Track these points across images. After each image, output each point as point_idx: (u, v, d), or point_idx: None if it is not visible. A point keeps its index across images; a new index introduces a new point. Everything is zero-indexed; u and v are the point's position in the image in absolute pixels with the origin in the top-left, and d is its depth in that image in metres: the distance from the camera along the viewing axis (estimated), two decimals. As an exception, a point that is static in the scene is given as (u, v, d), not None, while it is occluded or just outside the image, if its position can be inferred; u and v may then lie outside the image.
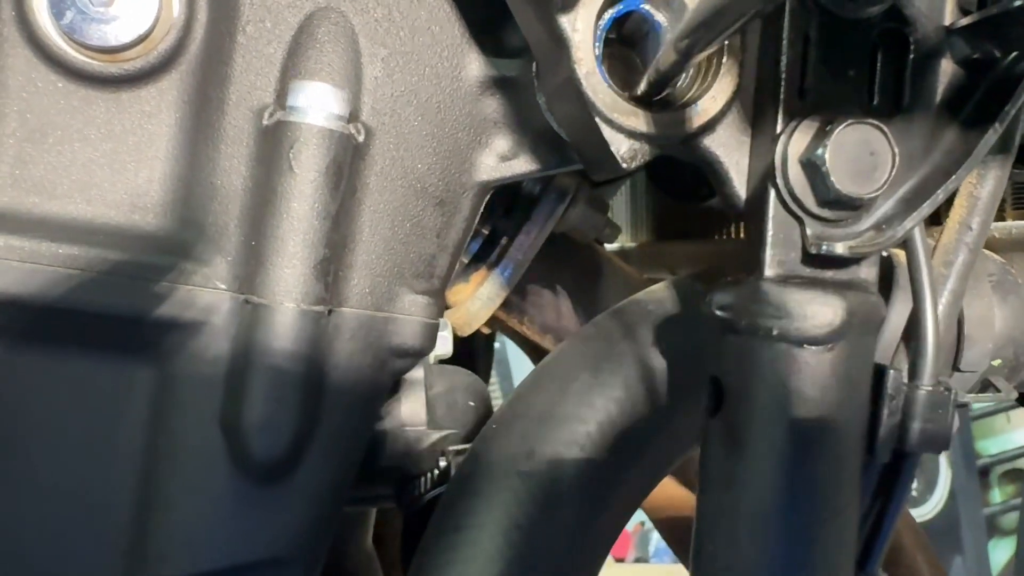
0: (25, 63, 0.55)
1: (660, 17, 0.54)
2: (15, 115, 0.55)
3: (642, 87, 0.54)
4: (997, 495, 3.08)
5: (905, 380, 0.56)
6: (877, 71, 0.53)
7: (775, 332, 0.51)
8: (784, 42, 0.52)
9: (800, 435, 0.52)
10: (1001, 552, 2.98)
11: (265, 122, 0.57)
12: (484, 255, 0.81)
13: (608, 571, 0.74)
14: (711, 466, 0.55)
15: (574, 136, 0.60)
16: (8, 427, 0.57)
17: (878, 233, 0.52)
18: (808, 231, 0.52)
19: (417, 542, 0.66)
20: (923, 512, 2.83)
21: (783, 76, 0.52)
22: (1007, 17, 0.49)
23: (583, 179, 0.81)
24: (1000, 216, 0.80)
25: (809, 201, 0.52)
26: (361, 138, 0.58)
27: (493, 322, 0.92)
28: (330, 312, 0.58)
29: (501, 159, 0.63)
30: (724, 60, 0.54)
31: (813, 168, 0.51)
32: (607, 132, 0.54)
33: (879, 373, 0.55)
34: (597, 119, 0.54)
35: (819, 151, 0.50)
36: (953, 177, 0.51)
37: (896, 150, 0.51)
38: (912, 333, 0.57)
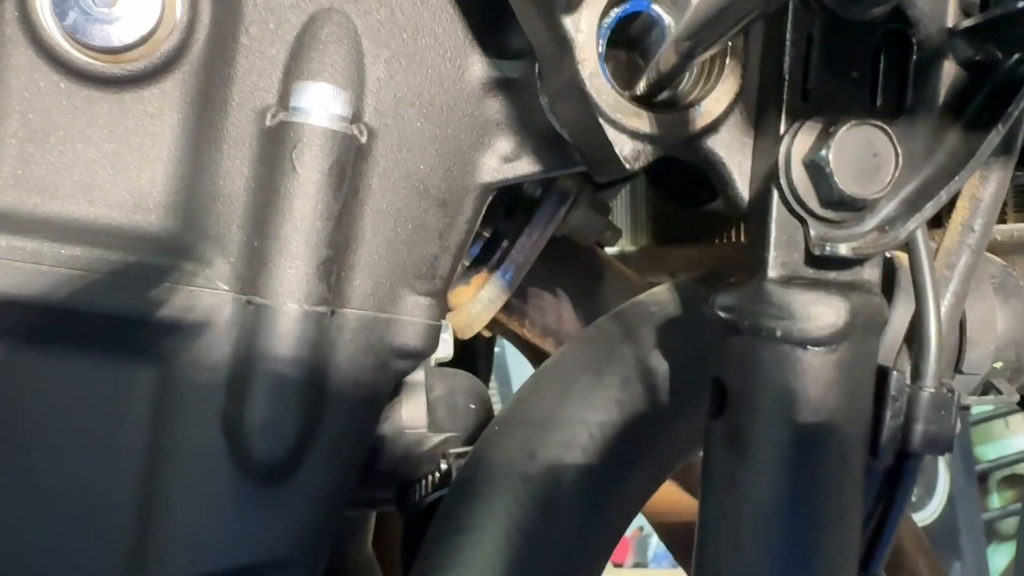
0: (28, 63, 0.55)
1: (666, 17, 0.54)
2: (17, 115, 0.55)
3: (641, 87, 0.54)
4: (996, 500, 3.08)
5: (908, 382, 0.56)
6: (880, 72, 0.53)
7: (778, 333, 0.51)
8: (787, 43, 0.52)
9: (803, 436, 0.52)
10: (1000, 557, 2.97)
11: (268, 123, 0.57)
12: (485, 258, 0.81)
13: None
14: (714, 468, 0.55)
15: (577, 137, 0.60)
16: (10, 427, 0.57)
17: (881, 234, 0.52)
18: (811, 232, 0.52)
19: (418, 545, 0.66)
20: (922, 517, 2.83)
21: (786, 77, 0.52)
22: (1009, 19, 0.49)
23: (584, 182, 0.81)
24: (1002, 218, 0.80)
25: (812, 202, 0.52)
26: (364, 139, 0.58)
27: (494, 325, 0.92)
28: (332, 313, 0.58)
29: (504, 160, 0.63)
30: (727, 61, 0.54)
31: (816, 169, 0.51)
32: (611, 133, 0.54)
33: (882, 374, 0.55)
34: (600, 120, 0.54)
35: (822, 152, 0.50)
36: (956, 178, 0.51)
37: (899, 151, 0.51)
38: (915, 335, 0.57)
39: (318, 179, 0.56)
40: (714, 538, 0.55)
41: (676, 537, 1.20)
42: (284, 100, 0.57)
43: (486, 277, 0.81)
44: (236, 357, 0.57)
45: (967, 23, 0.52)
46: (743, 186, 0.55)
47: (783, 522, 0.53)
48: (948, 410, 0.55)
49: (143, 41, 0.56)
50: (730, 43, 0.53)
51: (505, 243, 0.81)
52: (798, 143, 0.52)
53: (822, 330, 0.51)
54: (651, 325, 0.67)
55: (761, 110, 0.55)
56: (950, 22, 0.53)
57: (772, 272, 0.52)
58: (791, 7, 0.51)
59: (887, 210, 0.53)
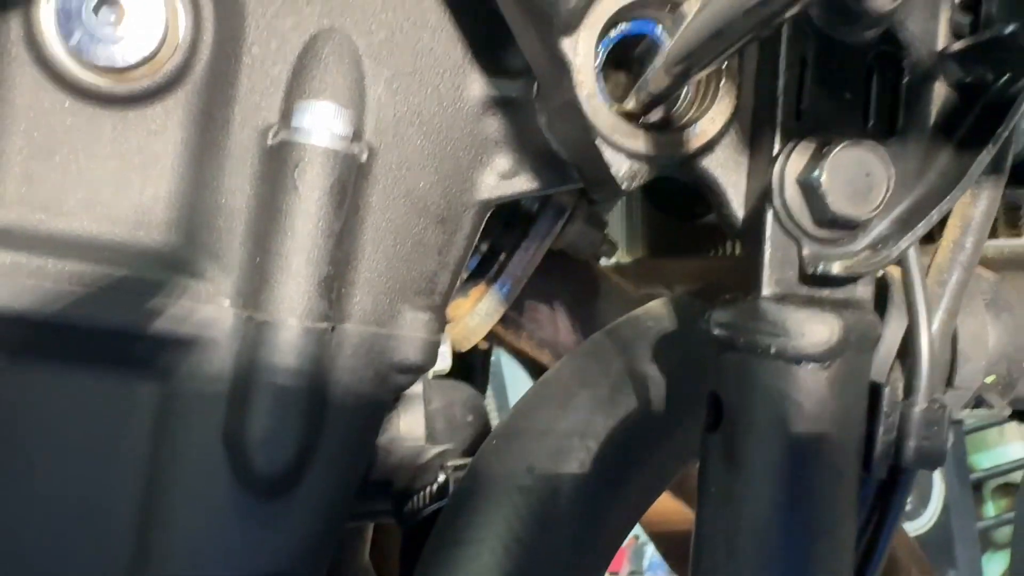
0: (32, 82, 0.56)
1: (667, 39, 0.55)
2: (22, 133, 0.56)
3: (630, 104, 0.55)
4: (991, 509, 3.08)
5: (900, 397, 0.57)
6: (872, 94, 0.54)
7: (773, 350, 0.52)
8: (781, 65, 0.53)
9: (797, 451, 0.53)
10: (995, 566, 2.97)
11: (270, 142, 0.57)
12: (483, 271, 0.82)
13: (603, 585, 0.74)
14: (710, 481, 0.56)
15: (574, 156, 0.60)
16: (12, 440, 0.57)
17: (874, 253, 0.53)
18: (805, 251, 0.53)
19: (416, 557, 0.66)
20: (917, 526, 2.83)
21: (780, 98, 0.53)
22: (998, 42, 0.50)
23: (581, 196, 0.82)
24: (993, 234, 0.81)
25: (806, 221, 0.53)
26: (364, 158, 0.58)
27: (491, 337, 0.92)
28: (333, 329, 0.58)
29: (502, 177, 0.64)
30: (723, 82, 0.55)
31: (810, 189, 0.52)
32: (607, 153, 0.55)
33: (875, 390, 0.56)
34: (597, 140, 0.54)
35: (816, 172, 0.51)
36: (947, 198, 0.52)
37: (892, 171, 0.51)
38: (907, 351, 0.57)
39: (319, 198, 0.56)
40: (710, 550, 0.56)
41: (672, 547, 1.21)
42: (286, 119, 0.57)
43: (484, 290, 0.81)
44: (237, 372, 0.57)
45: (958, 46, 0.53)
46: (738, 205, 0.56)
47: (778, 534, 0.53)
48: (940, 425, 0.56)
49: (147, 61, 0.56)
50: (725, 64, 0.54)
51: (502, 256, 0.81)
52: (792, 163, 0.52)
53: (816, 347, 0.51)
54: (647, 340, 0.68)
55: (755, 130, 0.55)
56: (941, 45, 0.54)
57: (766, 290, 0.53)
58: (785, 30, 0.52)
59: (880, 229, 0.54)
